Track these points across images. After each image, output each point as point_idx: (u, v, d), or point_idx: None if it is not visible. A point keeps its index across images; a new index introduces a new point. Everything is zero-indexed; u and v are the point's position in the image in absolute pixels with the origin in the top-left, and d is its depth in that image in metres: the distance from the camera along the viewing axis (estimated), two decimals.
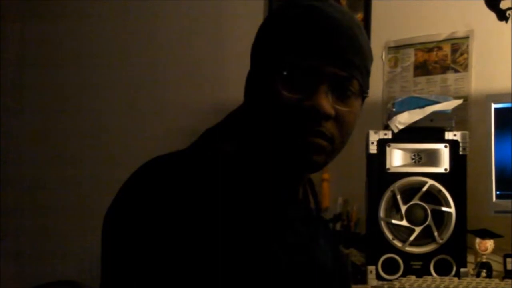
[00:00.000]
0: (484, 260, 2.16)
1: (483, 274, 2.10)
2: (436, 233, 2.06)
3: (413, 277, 2.02)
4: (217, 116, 1.12)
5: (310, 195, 1.15)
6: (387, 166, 2.13)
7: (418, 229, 2.07)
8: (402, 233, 2.09)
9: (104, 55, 3.16)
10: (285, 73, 1.00)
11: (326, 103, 0.99)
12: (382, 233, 2.09)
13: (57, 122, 3.22)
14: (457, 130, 2.14)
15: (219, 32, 2.95)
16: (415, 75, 2.54)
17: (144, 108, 3.05)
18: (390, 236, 2.09)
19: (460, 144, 2.11)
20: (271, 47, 1.03)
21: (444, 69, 2.48)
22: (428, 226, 2.07)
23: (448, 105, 2.18)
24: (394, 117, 2.15)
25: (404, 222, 2.08)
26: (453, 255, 2.07)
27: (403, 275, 2.06)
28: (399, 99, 2.23)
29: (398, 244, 2.08)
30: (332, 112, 1.00)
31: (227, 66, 2.86)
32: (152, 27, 3.08)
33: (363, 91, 1.05)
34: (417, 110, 2.15)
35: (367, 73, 1.06)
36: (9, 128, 3.27)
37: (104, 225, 0.99)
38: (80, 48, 3.23)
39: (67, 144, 3.18)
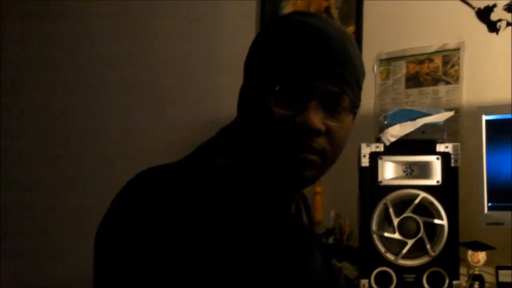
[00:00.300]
0: (476, 272, 2.16)
1: (476, 286, 2.10)
2: (428, 246, 2.05)
3: None
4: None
5: (303, 210, 1.15)
6: (379, 179, 2.11)
7: (410, 242, 2.06)
8: (394, 246, 2.08)
9: (104, 55, 3.17)
10: (277, 88, 1.00)
11: (317, 119, 0.99)
12: (375, 246, 2.07)
13: (57, 122, 3.23)
14: (449, 142, 2.12)
15: (219, 32, 2.96)
16: (407, 87, 2.54)
17: (144, 108, 3.06)
18: (382, 249, 2.07)
19: (452, 156, 2.09)
20: (263, 63, 1.03)
21: (436, 81, 2.48)
22: (421, 239, 2.06)
23: (439, 117, 2.17)
24: (386, 130, 2.14)
25: (396, 235, 2.07)
26: (446, 267, 2.05)
27: None
28: (391, 112, 2.21)
29: (390, 257, 2.07)
30: (322, 128, 1.00)
31: (228, 66, 2.87)
32: (152, 27, 3.09)
33: (355, 107, 1.05)
34: (409, 123, 2.14)
35: (359, 88, 1.06)
36: (9, 128, 3.28)
37: (97, 234, 0.99)
38: (80, 48, 3.24)
39: (67, 144, 3.19)
